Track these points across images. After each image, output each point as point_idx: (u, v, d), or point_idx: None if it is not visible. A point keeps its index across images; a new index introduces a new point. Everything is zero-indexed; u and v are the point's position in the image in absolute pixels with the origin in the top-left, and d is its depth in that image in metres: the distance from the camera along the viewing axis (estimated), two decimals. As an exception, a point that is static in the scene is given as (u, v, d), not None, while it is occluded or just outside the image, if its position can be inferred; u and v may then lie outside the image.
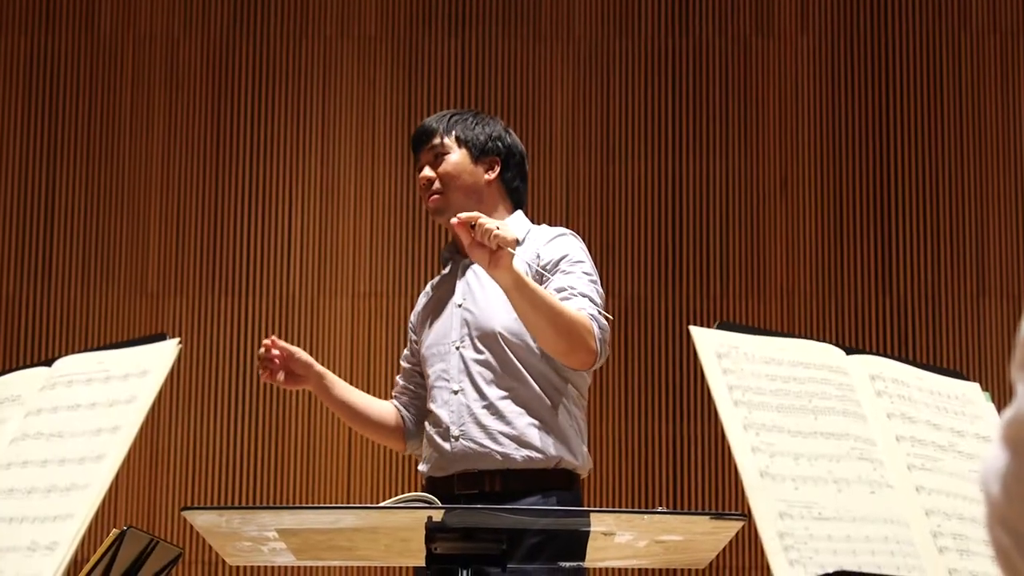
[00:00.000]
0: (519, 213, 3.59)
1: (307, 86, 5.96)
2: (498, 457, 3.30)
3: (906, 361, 2.15)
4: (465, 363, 3.38)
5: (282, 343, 3.43)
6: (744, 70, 5.94)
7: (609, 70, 5.95)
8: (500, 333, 3.36)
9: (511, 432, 3.31)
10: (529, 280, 3.20)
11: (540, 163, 5.82)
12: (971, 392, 2.18)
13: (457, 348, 3.41)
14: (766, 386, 1.93)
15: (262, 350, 3.42)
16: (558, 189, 5.82)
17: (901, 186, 5.85)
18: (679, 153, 5.88)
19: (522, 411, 3.32)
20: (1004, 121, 5.89)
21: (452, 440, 3.35)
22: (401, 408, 3.62)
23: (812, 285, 5.77)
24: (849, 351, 2.08)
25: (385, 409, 3.62)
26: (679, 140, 5.89)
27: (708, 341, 1.95)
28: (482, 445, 3.32)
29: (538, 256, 3.41)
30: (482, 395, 3.35)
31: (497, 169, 3.54)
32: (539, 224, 3.62)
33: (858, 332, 5.72)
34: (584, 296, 3.30)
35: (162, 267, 5.81)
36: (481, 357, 3.37)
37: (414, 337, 3.63)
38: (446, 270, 3.62)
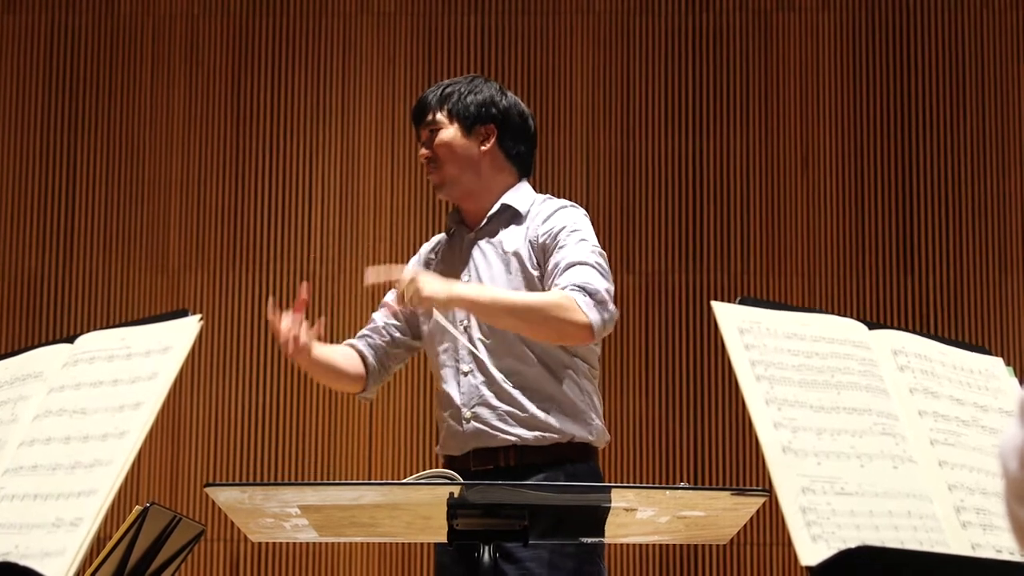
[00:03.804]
0: (524, 185, 3.54)
1: (327, 61, 5.96)
2: (511, 438, 3.30)
3: (929, 336, 2.14)
4: (472, 344, 3.35)
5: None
6: (765, 45, 5.92)
7: (629, 45, 5.93)
8: None
9: (521, 414, 3.31)
10: (479, 292, 3.20)
11: (561, 139, 5.81)
12: (994, 367, 2.17)
13: (465, 328, 3.38)
14: (788, 361, 1.93)
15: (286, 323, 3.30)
16: (578, 165, 5.81)
17: (923, 162, 5.82)
18: (700, 129, 5.86)
19: (530, 392, 3.30)
20: (1027, 95, 5.86)
21: (464, 422, 3.35)
22: (364, 349, 3.56)
23: (833, 262, 5.76)
24: (872, 326, 2.08)
25: (349, 357, 3.53)
26: (700, 116, 5.87)
27: (730, 316, 1.94)
28: (494, 427, 3.31)
29: (537, 237, 3.39)
30: (490, 377, 3.34)
31: (493, 138, 3.49)
32: (550, 195, 3.56)
33: (879, 308, 5.70)
34: (575, 264, 3.25)
35: (183, 243, 5.82)
36: (487, 340, 3.35)
37: None
38: (448, 235, 3.59)
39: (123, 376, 2.01)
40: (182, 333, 2.04)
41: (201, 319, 2.05)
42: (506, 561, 3.13)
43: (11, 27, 5.98)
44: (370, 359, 3.56)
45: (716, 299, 1.91)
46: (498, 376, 3.33)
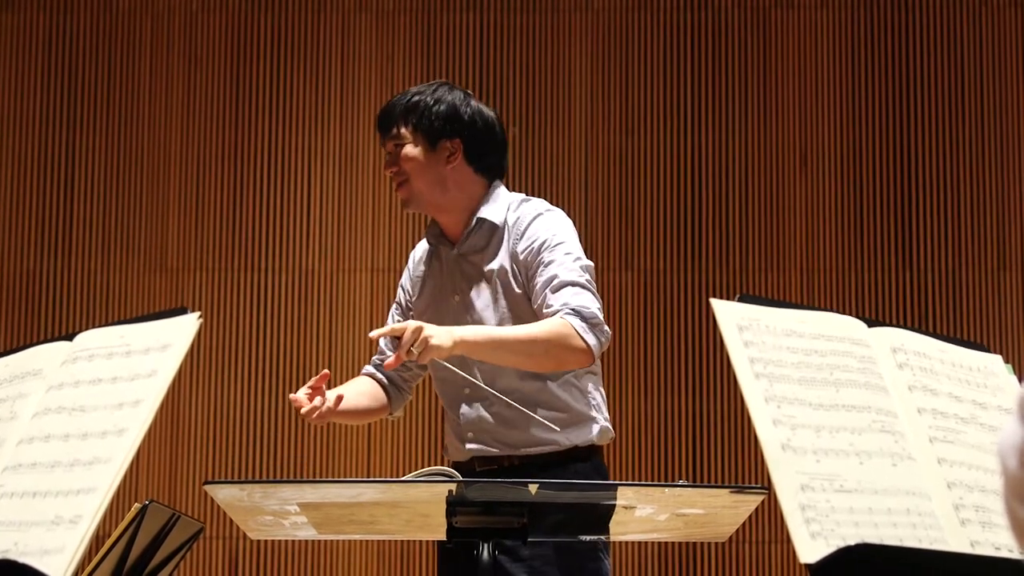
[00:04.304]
0: (498, 189, 3.48)
1: (325, 60, 5.96)
2: (513, 452, 3.30)
3: (927, 334, 2.14)
4: (469, 363, 3.30)
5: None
6: (763, 42, 5.92)
7: (628, 42, 5.93)
8: None
9: (521, 435, 3.29)
10: (479, 334, 3.14)
11: (559, 136, 5.81)
12: (993, 364, 2.17)
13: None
14: (787, 358, 1.93)
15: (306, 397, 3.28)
16: (577, 162, 5.80)
17: (922, 159, 5.82)
18: (699, 126, 5.86)
19: (530, 411, 3.26)
20: (1025, 93, 5.86)
21: (468, 440, 3.35)
22: (379, 374, 3.56)
23: (832, 259, 5.76)
24: (871, 323, 2.07)
25: (374, 395, 3.55)
26: (699, 113, 5.87)
27: (729, 313, 1.94)
28: (493, 447, 3.31)
29: (518, 251, 3.34)
30: (488, 400, 3.32)
31: (459, 152, 3.42)
32: (525, 195, 3.51)
33: (878, 305, 5.70)
34: (566, 285, 3.22)
35: (182, 242, 5.82)
36: (483, 361, 3.30)
37: (409, 303, 3.56)
38: (427, 246, 3.55)
39: (122, 374, 2.01)
40: (181, 331, 2.04)
41: (200, 317, 2.05)
42: (507, 557, 3.12)
43: (9, 25, 5.98)
44: (390, 388, 3.57)
45: (715, 296, 1.91)
46: (496, 397, 3.29)
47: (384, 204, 5.84)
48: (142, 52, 5.97)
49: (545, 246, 3.30)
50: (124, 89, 5.94)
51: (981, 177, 5.81)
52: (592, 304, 3.19)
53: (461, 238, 3.44)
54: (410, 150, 3.41)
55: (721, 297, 2.00)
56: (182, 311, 2.09)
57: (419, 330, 3.00)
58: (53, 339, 2.20)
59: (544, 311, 3.22)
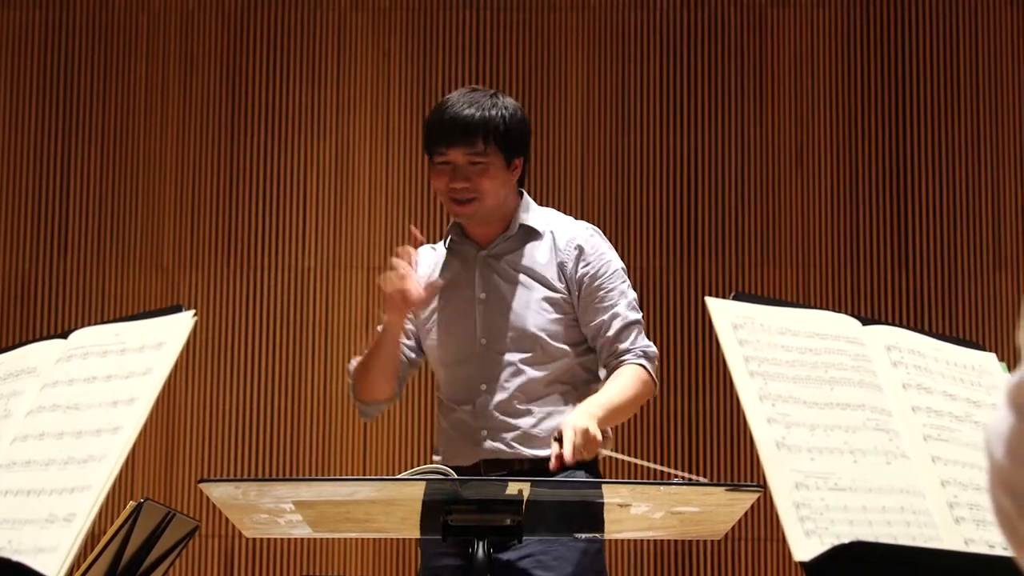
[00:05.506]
0: (528, 200, 3.44)
1: (321, 59, 5.95)
2: (524, 453, 3.24)
3: (922, 332, 2.14)
4: (493, 364, 3.27)
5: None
6: (759, 41, 5.92)
7: (624, 41, 5.93)
8: (536, 335, 3.28)
9: (539, 434, 3.24)
10: (601, 409, 3.11)
11: (555, 136, 5.81)
12: (988, 363, 2.17)
13: (485, 347, 3.29)
14: (782, 357, 1.93)
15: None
16: (573, 160, 5.80)
17: (917, 157, 5.82)
18: (694, 125, 5.86)
19: (549, 413, 3.25)
20: (1021, 92, 5.86)
21: (480, 440, 3.26)
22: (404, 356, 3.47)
23: (828, 257, 5.76)
24: (865, 321, 2.08)
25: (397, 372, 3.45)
26: (694, 112, 5.87)
27: (724, 312, 1.94)
28: (510, 446, 3.24)
29: (568, 265, 3.34)
30: (510, 396, 3.26)
31: (520, 169, 3.37)
32: (553, 208, 3.49)
33: (874, 304, 5.71)
34: (629, 325, 3.31)
35: (177, 241, 5.81)
36: (510, 358, 3.27)
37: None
38: (444, 245, 3.44)
39: (117, 371, 2.01)
40: (176, 329, 2.04)
41: (195, 315, 2.05)
42: (512, 553, 3.08)
43: (5, 23, 5.97)
44: (402, 376, 3.45)
45: (710, 294, 1.91)
46: (519, 396, 3.26)
47: (379, 202, 5.84)
48: (138, 50, 5.97)
49: (604, 274, 3.35)
50: (120, 87, 5.94)
51: (976, 175, 5.81)
52: (650, 344, 3.35)
53: (495, 241, 3.38)
54: (494, 171, 3.30)
55: (716, 295, 2.00)
56: (177, 309, 2.09)
57: (586, 433, 2.97)
58: (48, 337, 2.20)
59: (616, 348, 3.29)
